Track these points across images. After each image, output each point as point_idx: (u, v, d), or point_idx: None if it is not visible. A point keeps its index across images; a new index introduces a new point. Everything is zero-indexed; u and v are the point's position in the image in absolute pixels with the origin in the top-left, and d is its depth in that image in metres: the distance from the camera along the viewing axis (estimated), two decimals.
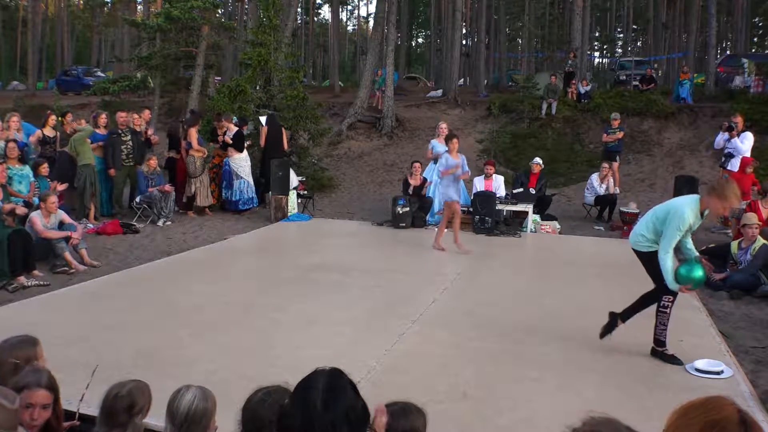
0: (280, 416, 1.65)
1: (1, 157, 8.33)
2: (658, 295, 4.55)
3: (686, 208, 4.26)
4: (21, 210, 7.50)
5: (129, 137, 10.34)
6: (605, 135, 13.05)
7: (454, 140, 8.44)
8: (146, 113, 11.77)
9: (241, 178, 10.93)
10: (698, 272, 4.24)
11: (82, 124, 10.28)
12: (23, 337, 2.78)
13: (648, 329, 5.23)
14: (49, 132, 9.89)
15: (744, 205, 8.92)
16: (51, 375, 2.50)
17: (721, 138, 10.51)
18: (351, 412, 1.54)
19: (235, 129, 11.02)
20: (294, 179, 11.05)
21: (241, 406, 2.07)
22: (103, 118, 10.36)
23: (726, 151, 10.31)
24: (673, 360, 4.50)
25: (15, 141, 8.56)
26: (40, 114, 10.90)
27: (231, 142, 10.84)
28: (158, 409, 2.52)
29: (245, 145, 11.21)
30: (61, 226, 7.36)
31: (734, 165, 10.09)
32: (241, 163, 10.93)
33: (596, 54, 48.31)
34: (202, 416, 2.19)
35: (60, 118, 10.28)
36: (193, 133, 10.63)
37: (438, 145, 10.76)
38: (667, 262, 4.31)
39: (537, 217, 10.12)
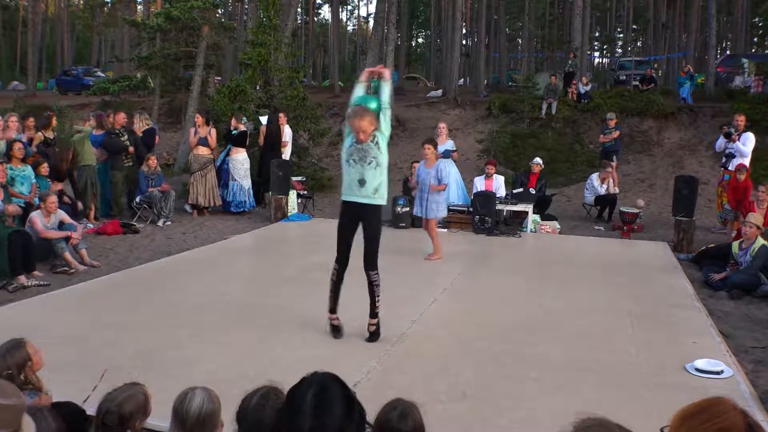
0: (275, 423, 1.66)
1: (2, 157, 8.32)
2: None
3: None
4: (16, 208, 7.48)
5: (126, 137, 10.33)
6: (602, 136, 13.07)
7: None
8: (120, 116, 10.64)
9: (235, 180, 10.90)
10: (371, 104, 4.61)
11: (78, 124, 10.10)
12: (9, 343, 2.72)
13: (647, 330, 5.25)
14: (50, 134, 9.84)
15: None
16: (54, 412, 2.34)
17: (722, 140, 10.46)
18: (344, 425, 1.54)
19: (242, 128, 11.09)
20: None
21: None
22: (113, 119, 10.36)
23: (727, 151, 10.28)
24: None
25: (21, 141, 8.56)
26: (39, 114, 10.82)
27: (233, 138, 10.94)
28: (160, 409, 2.52)
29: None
30: (61, 226, 7.36)
31: (735, 165, 10.03)
32: (238, 165, 10.91)
33: (596, 54, 48.38)
34: (211, 419, 2.21)
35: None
36: (192, 131, 10.85)
37: (438, 145, 10.74)
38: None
39: (537, 217, 10.10)
